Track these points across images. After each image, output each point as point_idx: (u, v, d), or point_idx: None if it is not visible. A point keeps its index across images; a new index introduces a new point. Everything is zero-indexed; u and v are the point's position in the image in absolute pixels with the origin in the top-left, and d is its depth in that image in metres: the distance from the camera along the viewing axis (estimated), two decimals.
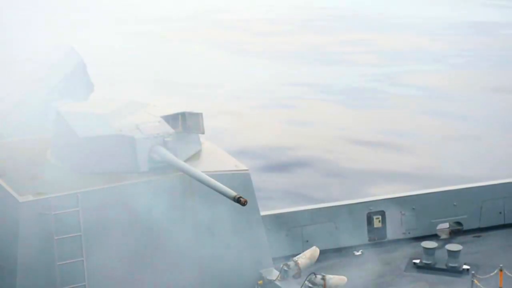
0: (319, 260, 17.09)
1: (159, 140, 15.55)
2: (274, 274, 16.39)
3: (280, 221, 18.73)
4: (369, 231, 19.84)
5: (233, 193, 14.68)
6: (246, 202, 14.59)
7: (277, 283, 16.25)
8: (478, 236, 20.32)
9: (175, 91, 46.04)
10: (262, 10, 79.58)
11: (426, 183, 26.61)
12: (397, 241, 19.89)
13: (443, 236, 20.37)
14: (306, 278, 16.17)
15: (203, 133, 16.66)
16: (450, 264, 18.51)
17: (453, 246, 18.75)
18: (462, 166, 35.08)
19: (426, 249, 18.71)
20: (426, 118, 44.31)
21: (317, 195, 32.10)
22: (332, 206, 19.70)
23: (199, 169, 15.59)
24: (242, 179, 16.16)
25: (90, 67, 22.57)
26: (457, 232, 20.52)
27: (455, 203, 20.42)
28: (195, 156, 16.48)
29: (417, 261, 18.78)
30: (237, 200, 14.58)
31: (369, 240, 19.80)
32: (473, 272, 17.18)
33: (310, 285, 16.11)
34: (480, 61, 58.31)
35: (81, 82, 21.93)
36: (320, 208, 19.52)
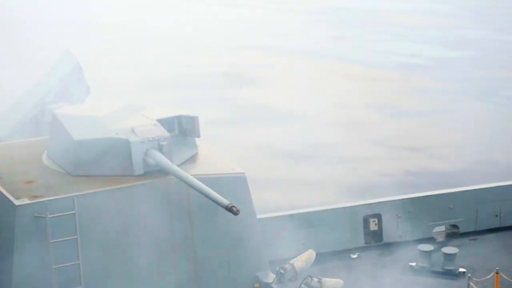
0: (315, 263, 17.09)
1: (154, 143, 15.54)
2: (270, 277, 16.38)
3: (277, 224, 18.72)
4: (365, 234, 19.84)
5: (225, 201, 14.67)
6: (239, 211, 14.60)
7: (274, 286, 16.25)
8: (474, 239, 20.33)
9: (172, 94, 46.05)
10: None
11: None
12: (393, 244, 19.89)
13: (439, 239, 20.38)
14: (303, 281, 16.17)
15: (199, 136, 16.67)
16: (446, 267, 18.53)
17: (449, 249, 18.77)
18: None
19: (422, 252, 18.72)
20: None
21: None
22: (329, 209, 19.70)
23: (194, 173, 15.59)
24: (238, 182, 16.15)
25: (86, 70, 22.58)
26: (453, 235, 20.53)
27: (451, 206, 20.43)
28: (191, 160, 16.47)
29: (413, 264, 18.79)
30: (230, 209, 14.58)
31: (365, 243, 19.80)
32: (469, 275, 17.21)
33: None
34: None
35: (77, 85, 21.96)
36: (316, 211, 19.52)
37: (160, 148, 15.54)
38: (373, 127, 42.52)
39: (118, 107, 16.49)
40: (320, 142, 39.37)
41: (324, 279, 16.27)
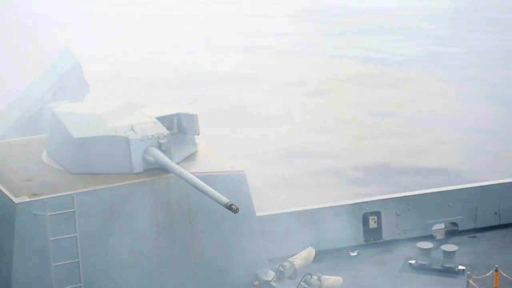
0: (314, 260, 17.10)
1: (153, 141, 15.55)
2: (270, 275, 16.40)
3: (276, 222, 18.73)
4: (364, 232, 19.85)
5: (224, 199, 14.65)
6: (238, 210, 14.57)
7: (273, 284, 16.26)
8: (474, 237, 20.33)
9: (170, 92, 46.10)
10: None
11: None
12: (392, 241, 19.89)
13: (439, 236, 20.38)
14: (302, 278, 16.18)
15: (198, 134, 16.68)
16: (446, 265, 18.52)
17: (448, 247, 18.76)
18: None
19: (421, 249, 18.71)
20: None
21: None
22: (328, 207, 19.70)
23: (194, 170, 15.60)
24: (237, 179, 16.16)
25: (86, 69, 22.62)
26: (452, 232, 20.54)
27: (450, 204, 20.43)
28: (191, 157, 16.48)
29: (413, 261, 18.78)
30: (229, 207, 14.56)
31: (365, 241, 19.81)
32: (468, 272, 17.18)
33: (306, 285, 16.12)
34: None
35: (77, 83, 21.99)
36: (315, 209, 19.51)
37: (159, 146, 15.55)
38: (371, 125, 42.55)
39: (117, 105, 16.49)
40: (320, 141, 39.40)
41: (324, 277, 16.28)
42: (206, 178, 15.33)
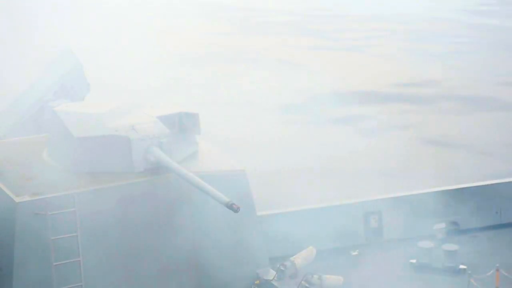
0: (315, 260, 17.10)
1: (154, 141, 15.55)
2: (270, 274, 16.41)
3: (277, 221, 18.73)
4: (366, 231, 19.85)
5: (225, 199, 14.67)
6: (239, 209, 14.59)
7: (274, 283, 16.27)
8: (475, 236, 20.33)
9: (171, 91, 46.09)
10: None
11: None
12: (393, 241, 19.90)
13: (440, 236, 20.36)
14: (303, 278, 16.18)
15: (199, 133, 16.68)
16: (447, 264, 18.53)
17: (449, 246, 18.77)
18: None
19: (422, 249, 18.72)
20: None
21: None
22: (329, 206, 19.71)
23: (195, 170, 15.60)
24: (238, 179, 16.17)
25: (87, 67, 22.57)
26: (453, 232, 20.53)
27: (451, 203, 20.44)
28: (191, 157, 16.48)
29: (414, 261, 18.79)
30: (230, 206, 14.57)
31: (366, 240, 19.81)
32: (469, 272, 17.19)
33: (307, 285, 16.13)
34: None
35: (78, 82, 21.94)
36: (316, 208, 19.53)
37: (160, 146, 15.55)
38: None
39: (118, 104, 16.49)
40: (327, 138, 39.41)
41: (325, 276, 16.29)
42: (207, 177, 15.34)
